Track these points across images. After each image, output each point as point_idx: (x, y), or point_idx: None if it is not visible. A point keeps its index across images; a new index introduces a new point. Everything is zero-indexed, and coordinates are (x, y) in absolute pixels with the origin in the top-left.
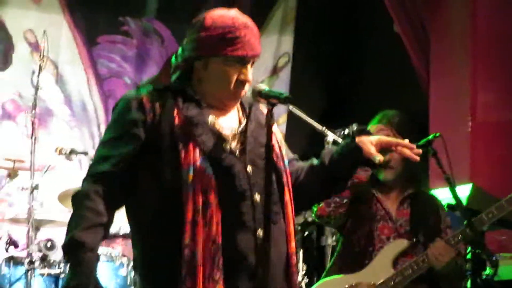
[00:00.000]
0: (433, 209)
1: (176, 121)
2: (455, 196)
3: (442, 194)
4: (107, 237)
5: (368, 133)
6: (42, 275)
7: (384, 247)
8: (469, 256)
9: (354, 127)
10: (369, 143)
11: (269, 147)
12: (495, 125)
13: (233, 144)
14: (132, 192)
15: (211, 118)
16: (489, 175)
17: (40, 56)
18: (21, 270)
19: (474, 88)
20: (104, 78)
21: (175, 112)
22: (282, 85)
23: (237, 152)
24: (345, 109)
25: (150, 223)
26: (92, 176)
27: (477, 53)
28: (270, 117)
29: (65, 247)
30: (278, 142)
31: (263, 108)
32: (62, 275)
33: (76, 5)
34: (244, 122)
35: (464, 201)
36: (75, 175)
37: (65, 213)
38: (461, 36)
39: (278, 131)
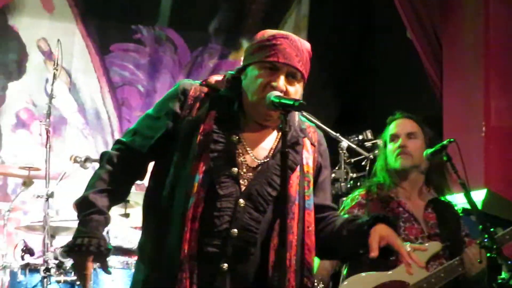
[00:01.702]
0: (454, 216)
1: (204, 127)
2: (470, 201)
3: (458, 199)
4: (119, 202)
5: (393, 226)
6: (58, 282)
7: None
8: None
9: (368, 134)
10: (379, 235)
11: (284, 180)
12: (508, 130)
13: (245, 172)
14: (153, 174)
15: (237, 138)
16: (504, 179)
17: (53, 64)
18: (37, 277)
19: (487, 93)
20: (117, 86)
21: (208, 118)
22: None
23: (245, 181)
24: (359, 115)
25: (161, 211)
26: (122, 143)
27: (489, 58)
28: (285, 124)
29: (77, 205)
30: (305, 181)
31: (307, 145)
32: (77, 282)
33: (88, 13)
34: (271, 154)
35: (479, 206)
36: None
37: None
38: (473, 42)
39: (318, 173)
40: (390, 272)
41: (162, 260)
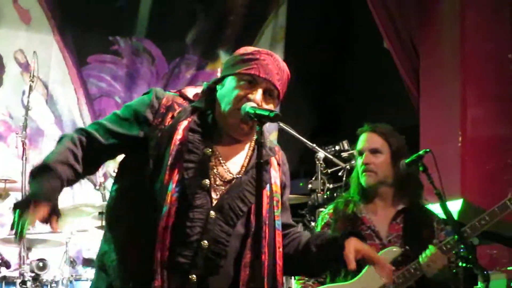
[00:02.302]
0: (427, 223)
1: (177, 136)
2: (446, 211)
3: (433, 210)
4: (71, 184)
5: (363, 238)
6: None
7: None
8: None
9: (345, 144)
10: (353, 248)
11: (259, 193)
12: (485, 140)
13: (217, 184)
14: (120, 182)
15: (210, 150)
16: (480, 189)
17: (30, 76)
18: None
19: (463, 104)
20: (95, 97)
21: (181, 128)
22: None
23: (217, 192)
24: (336, 126)
25: (128, 223)
26: (85, 131)
27: (466, 69)
28: (260, 135)
29: (34, 170)
30: (274, 201)
31: (275, 165)
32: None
33: (66, 25)
34: (244, 170)
35: (455, 216)
36: (66, 195)
37: (56, 233)
38: (450, 53)
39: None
40: (347, 283)
41: (129, 269)
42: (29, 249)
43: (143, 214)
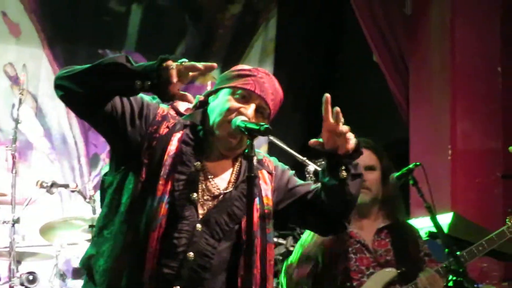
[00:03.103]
0: (412, 239)
1: (171, 147)
2: (436, 224)
3: (423, 223)
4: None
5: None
6: None
7: (373, 275)
8: (451, 284)
9: None
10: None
11: (250, 208)
12: (475, 153)
13: (205, 199)
14: (112, 188)
15: (200, 164)
16: (470, 202)
17: (20, 89)
18: None
19: (453, 117)
20: None
21: (175, 139)
22: None
23: (204, 207)
24: None
25: (118, 230)
26: None
27: (455, 83)
28: (251, 149)
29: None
30: (265, 214)
31: (265, 177)
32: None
33: (55, 38)
34: (231, 186)
35: (445, 229)
36: (56, 208)
37: (46, 246)
38: (440, 66)
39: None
40: None
41: (116, 277)
42: (19, 262)
43: (134, 223)
